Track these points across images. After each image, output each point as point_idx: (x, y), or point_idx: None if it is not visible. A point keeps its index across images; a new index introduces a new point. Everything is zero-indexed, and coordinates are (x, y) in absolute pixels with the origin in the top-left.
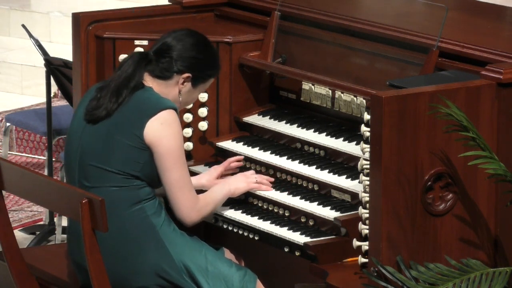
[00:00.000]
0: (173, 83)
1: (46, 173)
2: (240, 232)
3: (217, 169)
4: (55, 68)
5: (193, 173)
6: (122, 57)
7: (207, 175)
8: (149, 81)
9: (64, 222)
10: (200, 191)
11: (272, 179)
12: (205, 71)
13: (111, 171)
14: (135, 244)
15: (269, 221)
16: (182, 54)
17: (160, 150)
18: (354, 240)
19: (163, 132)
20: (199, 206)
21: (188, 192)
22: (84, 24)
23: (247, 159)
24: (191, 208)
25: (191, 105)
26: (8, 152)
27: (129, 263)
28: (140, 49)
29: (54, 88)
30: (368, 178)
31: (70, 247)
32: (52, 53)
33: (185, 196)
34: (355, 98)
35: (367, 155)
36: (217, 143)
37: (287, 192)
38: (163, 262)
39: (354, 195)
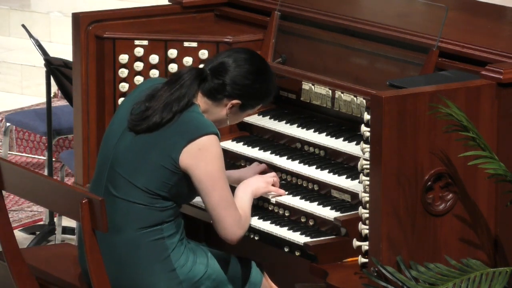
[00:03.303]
0: (222, 105)
1: (46, 173)
2: None
3: (251, 170)
4: (55, 68)
5: None
6: (122, 57)
7: (238, 173)
8: (198, 97)
9: (64, 222)
10: None
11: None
12: (255, 100)
13: (137, 187)
14: (144, 262)
15: (269, 221)
16: (236, 80)
17: (197, 174)
18: (354, 240)
19: (200, 158)
20: (242, 221)
21: (232, 211)
22: (84, 24)
23: (247, 159)
24: (236, 227)
25: None
26: (8, 152)
27: (134, 278)
28: (141, 50)
29: (54, 88)
30: (368, 178)
31: (79, 251)
32: (52, 53)
33: (229, 215)
34: (355, 98)
35: (367, 155)
36: None
37: (287, 192)
38: (167, 286)
39: (354, 195)
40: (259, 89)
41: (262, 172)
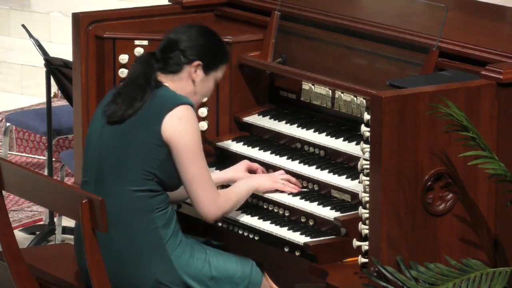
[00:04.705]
0: (186, 75)
1: (46, 173)
2: (240, 232)
3: (245, 163)
4: (55, 68)
5: None
6: (122, 57)
7: (232, 168)
8: (163, 79)
9: (64, 222)
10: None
11: (299, 185)
12: (214, 58)
13: (128, 167)
14: (141, 254)
15: (269, 221)
16: (188, 44)
17: (178, 146)
18: (354, 240)
19: (181, 128)
20: (220, 201)
21: (207, 188)
22: (84, 24)
23: (247, 159)
24: (211, 204)
25: (205, 99)
26: (8, 152)
27: (132, 271)
28: (141, 50)
29: (54, 88)
30: (368, 178)
31: (77, 251)
32: (52, 53)
33: (204, 191)
34: (355, 98)
35: (367, 155)
36: (217, 143)
37: (287, 192)
38: (165, 276)
39: (354, 195)
40: (213, 45)
41: (253, 172)
